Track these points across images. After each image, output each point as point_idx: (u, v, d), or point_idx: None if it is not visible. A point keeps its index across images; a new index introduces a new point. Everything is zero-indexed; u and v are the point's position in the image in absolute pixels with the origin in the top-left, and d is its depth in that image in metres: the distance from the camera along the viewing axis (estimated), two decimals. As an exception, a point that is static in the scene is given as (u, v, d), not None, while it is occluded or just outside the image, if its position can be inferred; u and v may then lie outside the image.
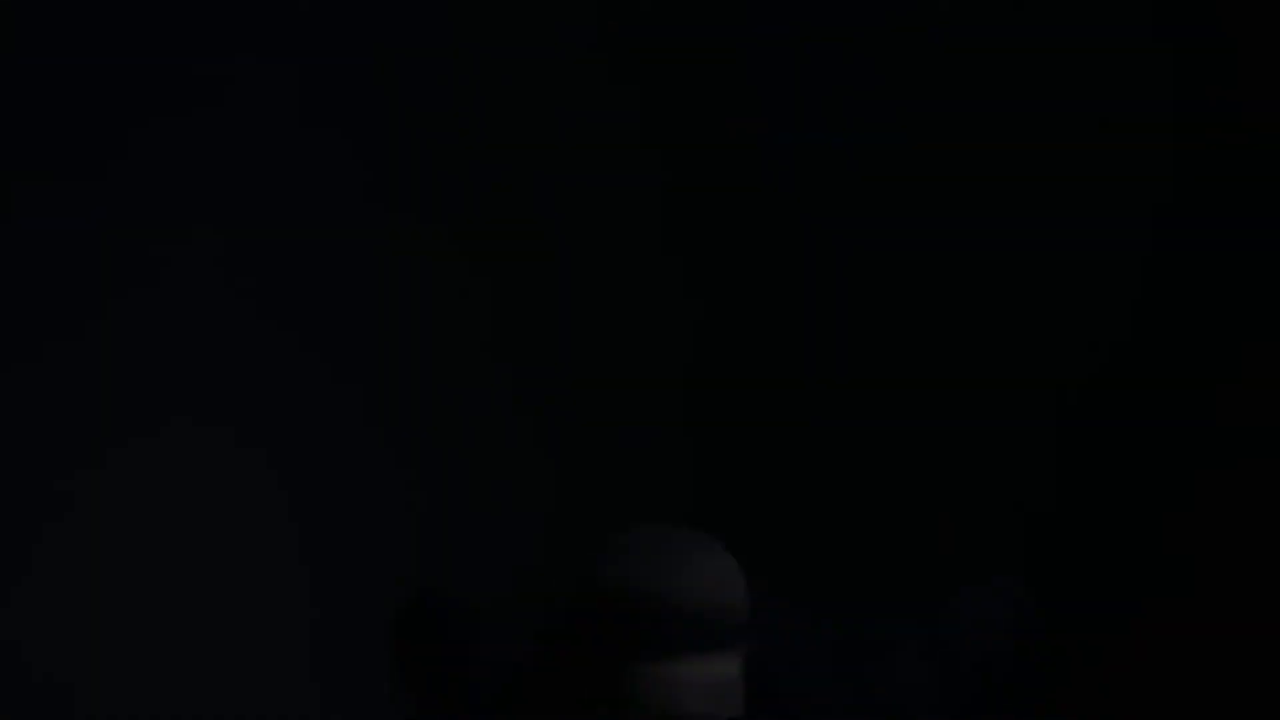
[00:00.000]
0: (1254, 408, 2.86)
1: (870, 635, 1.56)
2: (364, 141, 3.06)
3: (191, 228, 3.06)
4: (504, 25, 3.04)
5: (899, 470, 3.16)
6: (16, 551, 2.96)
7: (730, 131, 3.04)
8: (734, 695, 1.30)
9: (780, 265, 3.15)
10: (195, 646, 3.07)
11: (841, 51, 3.03)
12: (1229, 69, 2.87)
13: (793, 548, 3.19)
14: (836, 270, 3.14)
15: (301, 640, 3.08)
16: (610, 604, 1.31)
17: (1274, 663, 2.80)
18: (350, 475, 3.14)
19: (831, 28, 3.02)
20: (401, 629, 1.79)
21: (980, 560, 3.07)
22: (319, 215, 3.07)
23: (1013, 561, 3.04)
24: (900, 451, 3.11)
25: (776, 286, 3.16)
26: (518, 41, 3.04)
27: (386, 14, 3.04)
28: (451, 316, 3.09)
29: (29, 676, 3.00)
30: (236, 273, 3.08)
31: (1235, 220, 2.88)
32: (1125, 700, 2.94)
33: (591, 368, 3.02)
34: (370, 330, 3.10)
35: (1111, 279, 2.98)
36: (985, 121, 3.00)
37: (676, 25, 3.04)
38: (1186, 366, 2.92)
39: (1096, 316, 3.00)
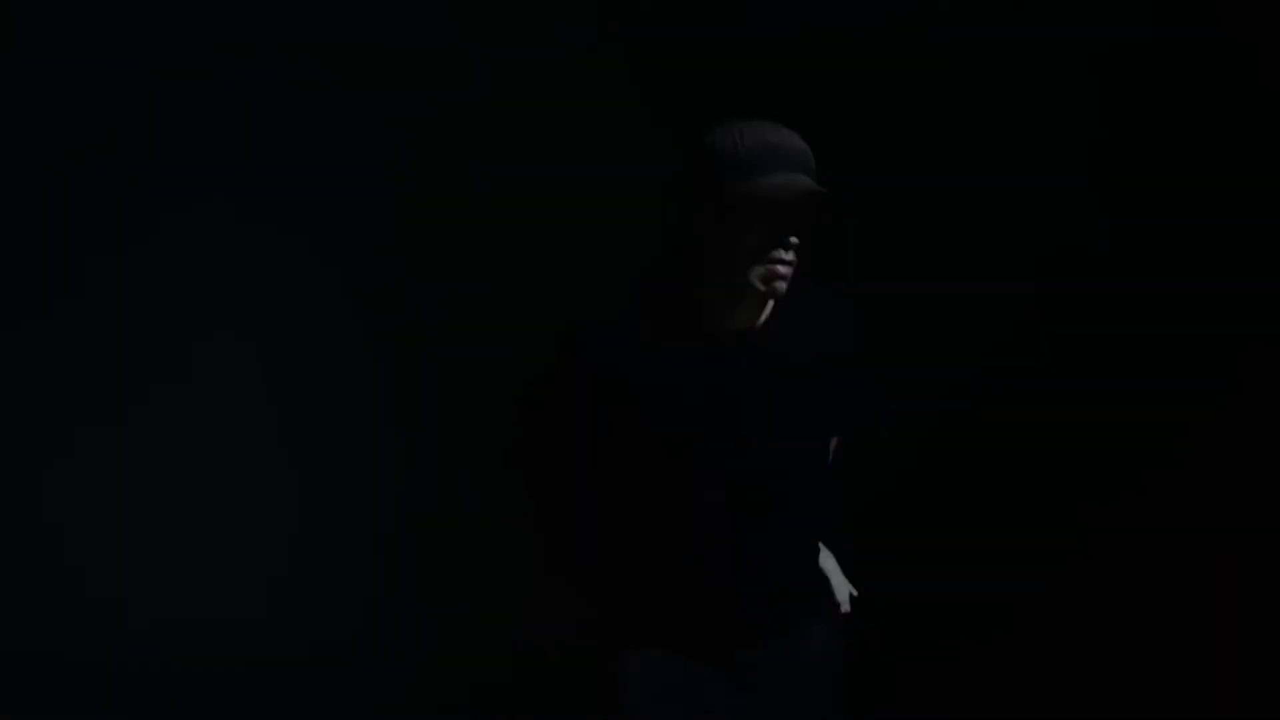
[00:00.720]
0: (1254, 408, 2.87)
1: None
2: (364, 141, 3.06)
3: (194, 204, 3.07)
4: (504, 25, 3.04)
5: (899, 473, 3.16)
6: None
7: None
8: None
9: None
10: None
11: (841, 51, 3.03)
12: (1229, 68, 2.88)
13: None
14: (836, 270, 3.13)
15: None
16: (754, 138, 1.96)
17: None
18: (353, 475, 3.14)
19: (831, 28, 3.03)
20: (525, 409, 2.12)
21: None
22: (322, 209, 3.07)
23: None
24: (900, 455, 3.12)
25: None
26: (518, 41, 3.04)
27: (386, 13, 3.04)
28: (452, 315, 3.09)
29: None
30: (238, 271, 3.09)
31: (1236, 220, 2.89)
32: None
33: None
34: (371, 330, 3.11)
35: (1109, 276, 2.98)
36: (985, 121, 3.00)
37: (676, 25, 3.04)
38: (1185, 363, 2.92)
39: (1095, 315, 3.00)
